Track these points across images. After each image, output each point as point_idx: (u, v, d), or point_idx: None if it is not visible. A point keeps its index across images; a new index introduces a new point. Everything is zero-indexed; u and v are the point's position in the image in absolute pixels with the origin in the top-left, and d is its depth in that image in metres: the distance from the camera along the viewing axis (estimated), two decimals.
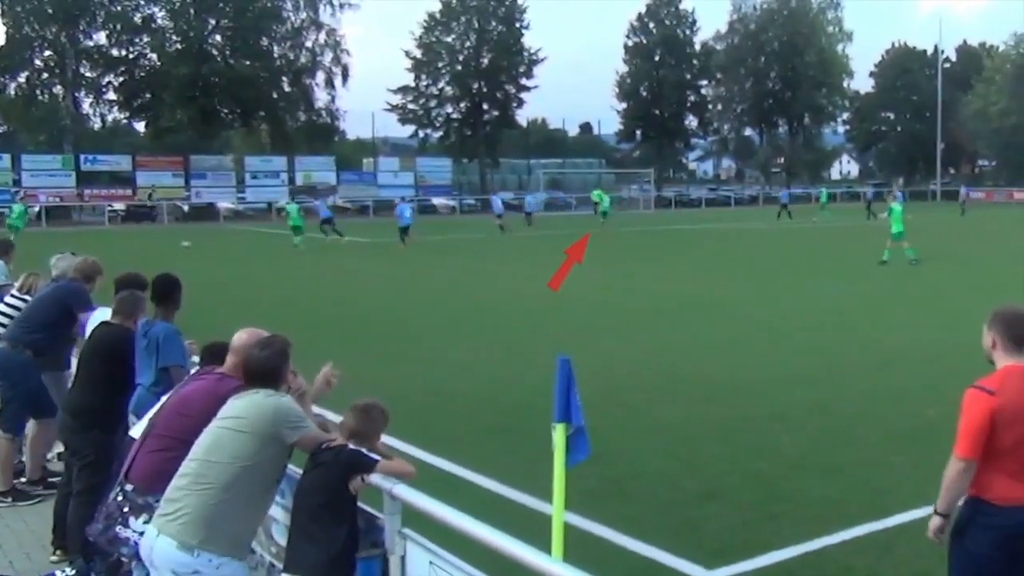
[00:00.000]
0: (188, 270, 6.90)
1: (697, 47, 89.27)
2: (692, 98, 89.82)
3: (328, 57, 72.05)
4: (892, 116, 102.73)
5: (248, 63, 67.82)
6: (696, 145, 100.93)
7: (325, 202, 37.47)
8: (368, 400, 4.21)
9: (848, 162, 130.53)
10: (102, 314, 6.51)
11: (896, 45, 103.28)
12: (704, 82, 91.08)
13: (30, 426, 7.38)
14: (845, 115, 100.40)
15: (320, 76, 72.08)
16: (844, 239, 34.61)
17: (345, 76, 72.48)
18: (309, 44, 71.68)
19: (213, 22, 68.29)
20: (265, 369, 4.09)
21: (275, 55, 70.32)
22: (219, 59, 68.07)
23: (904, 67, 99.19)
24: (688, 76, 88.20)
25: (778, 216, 50.13)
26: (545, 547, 3.53)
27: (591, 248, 31.92)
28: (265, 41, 69.69)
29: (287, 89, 71.22)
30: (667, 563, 5.64)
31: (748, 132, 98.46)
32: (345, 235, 36.41)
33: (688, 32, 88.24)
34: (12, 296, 7.77)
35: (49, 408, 7.15)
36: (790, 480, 7.20)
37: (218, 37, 69.14)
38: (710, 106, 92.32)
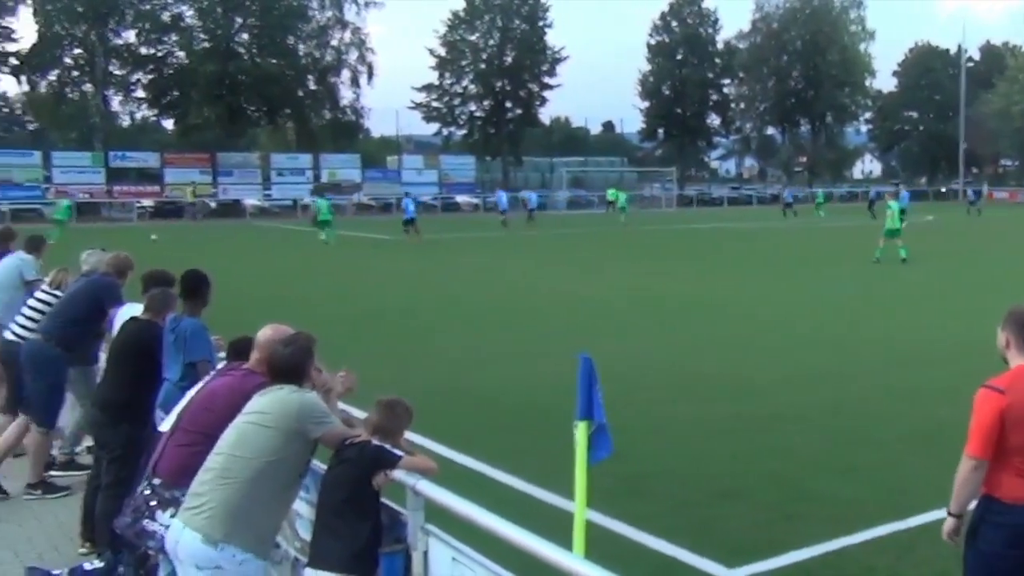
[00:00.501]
0: (212, 267, 6.94)
1: (720, 46, 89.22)
2: (714, 97, 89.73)
3: (353, 55, 72.52)
4: (915, 115, 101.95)
5: (274, 61, 68.28)
6: (718, 144, 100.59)
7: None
8: (392, 397, 4.23)
9: (871, 161, 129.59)
10: (131, 309, 6.56)
11: (919, 44, 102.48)
12: (726, 81, 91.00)
13: (29, 432, 7.40)
14: (868, 114, 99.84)
15: (345, 74, 72.61)
16: (849, 238, 34.67)
17: (370, 74, 72.99)
18: (334, 42, 72.15)
19: (240, 21, 68.72)
20: (289, 365, 4.12)
21: (301, 53, 70.70)
22: (246, 57, 68.53)
23: (927, 66, 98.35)
24: (710, 75, 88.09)
25: (784, 215, 50.87)
26: (566, 544, 3.54)
27: (609, 247, 32.00)
28: (291, 40, 70.09)
29: (312, 87, 71.63)
30: (687, 561, 5.64)
31: (770, 131, 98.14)
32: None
33: (711, 31, 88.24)
34: (43, 291, 7.85)
35: (52, 416, 7.23)
36: (807, 480, 7.17)
37: (245, 36, 69.59)
38: (732, 105, 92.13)
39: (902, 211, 25.94)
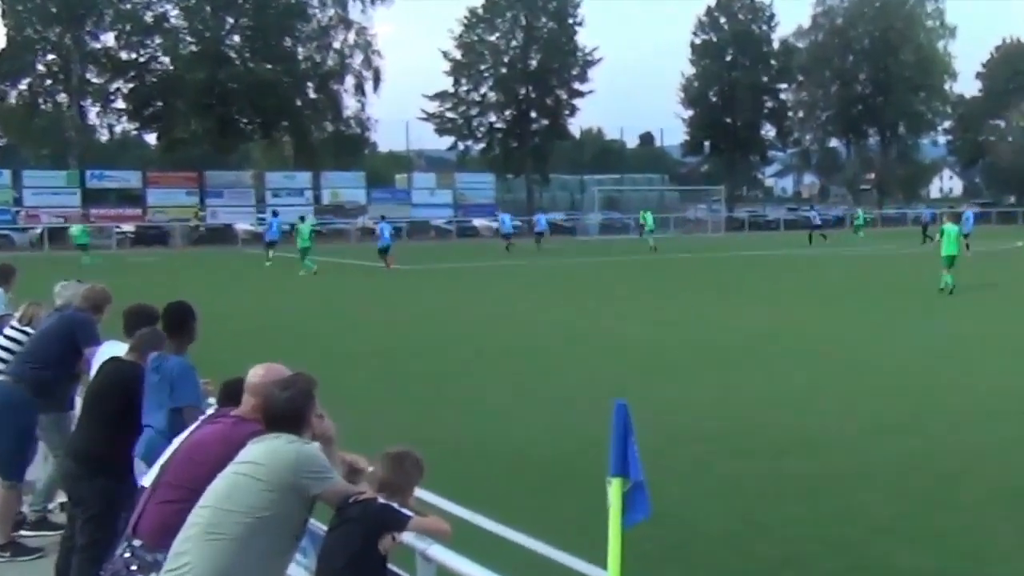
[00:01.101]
0: (197, 299, 7.03)
1: (775, 45, 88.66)
2: (769, 104, 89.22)
3: (358, 59, 73.18)
4: (1002, 125, 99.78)
5: (270, 67, 68.90)
6: (773, 158, 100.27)
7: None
8: (401, 448, 4.27)
9: (950, 178, 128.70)
10: (111, 348, 6.64)
11: (1007, 42, 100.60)
12: (783, 85, 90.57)
13: None
14: (947, 123, 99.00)
15: (349, 81, 73.25)
16: (907, 266, 34.90)
17: (377, 81, 73.50)
18: (337, 45, 72.92)
19: (231, 21, 69.50)
20: (287, 412, 4.17)
21: (299, 57, 71.41)
22: (238, 62, 69.27)
23: (1016, 68, 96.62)
24: (765, 79, 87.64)
25: (810, 240, 50.91)
26: None
27: (646, 277, 32.07)
28: (288, 42, 70.87)
29: (312, 96, 72.27)
30: None
31: (833, 143, 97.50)
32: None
33: (765, 28, 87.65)
34: (12, 328, 7.94)
35: (21, 468, 7.30)
36: (878, 546, 7.13)
37: (236, 38, 70.36)
38: (790, 113, 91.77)
39: (964, 236, 25.90)
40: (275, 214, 41.77)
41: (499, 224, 51.35)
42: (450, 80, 78.12)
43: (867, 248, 46.19)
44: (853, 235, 52.28)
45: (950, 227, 25.98)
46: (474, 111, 78.92)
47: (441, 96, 78.09)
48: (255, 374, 4.68)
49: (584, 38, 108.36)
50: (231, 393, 4.94)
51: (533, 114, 78.75)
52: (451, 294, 27.10)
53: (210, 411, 5.16)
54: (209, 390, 5.95)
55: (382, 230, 37.27)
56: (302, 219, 37.33)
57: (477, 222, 67.35)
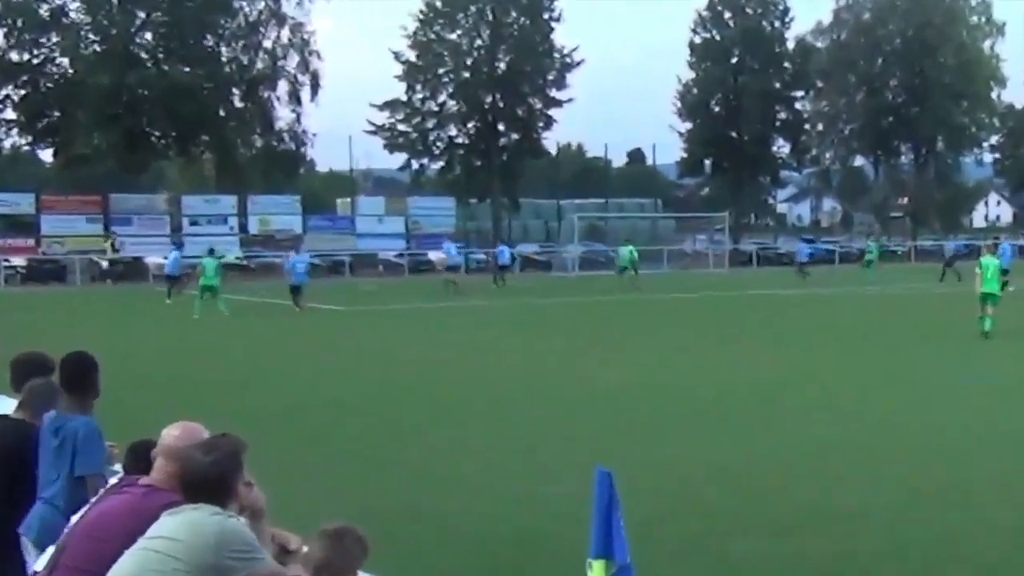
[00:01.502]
0: (99, 344, 7.04)
1: (790, 45, 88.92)
2: (783, 115, 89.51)
3: (293, 61, 73.45)
4: None
5: (187, 70, 68.80)
6: (787, 180, 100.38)
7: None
8: (340, 524, 4.28)
9: (997, 204, 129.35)
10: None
11: None
12: (799, 93, 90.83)
13: None
14: (994, 138, 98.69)
15: (282, 87, 73.46)
16: (941, 306, 35.34)
17: (315, 87, 73.72)
18: (268, 44, 73.11)
19: (142, 16, 69.42)
20: (211, 479, 4.18)
21: (223, 59, 71.59)
22: (149, 64, 69.16)
23: None
24: (777, 84, 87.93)
25: (801, 276, 52.05)
26: None
27: (633, 320, 32.23)
28: (210, 40, 71.04)
29: (238, 104, 72.34)
30: None
31: (859, 162, 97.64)
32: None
33: (778, 24, 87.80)
34: None
35: None
36: None
37: (148, 35, 70.41)
38: (807, 126, 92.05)
39: (1004, 271, 26.27)
40: (178, 246, 41.94)
41: (444, 255, 51.65)
42: (402, 86, 78.32)
43: (897, 286, 46.53)
44: (865, 271, 52.57)
45: (989, 260, 26.27)
46: (431, 123, 79.01)
47: (392, 105, 78.12)
48: (170, 435, 4.69)
49: (562, 36, 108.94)
50: (140, 457, 4.94)
51: (501, 126, 79.09)
52: (400, 339, 27.15)
53: (115, 480, 5.15)
54: (115, 454, 5.94)
55: (294, 265, 36.93)
56: (211, 251, 37.07)
57: (433, 255, 67.29)
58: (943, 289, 44.36)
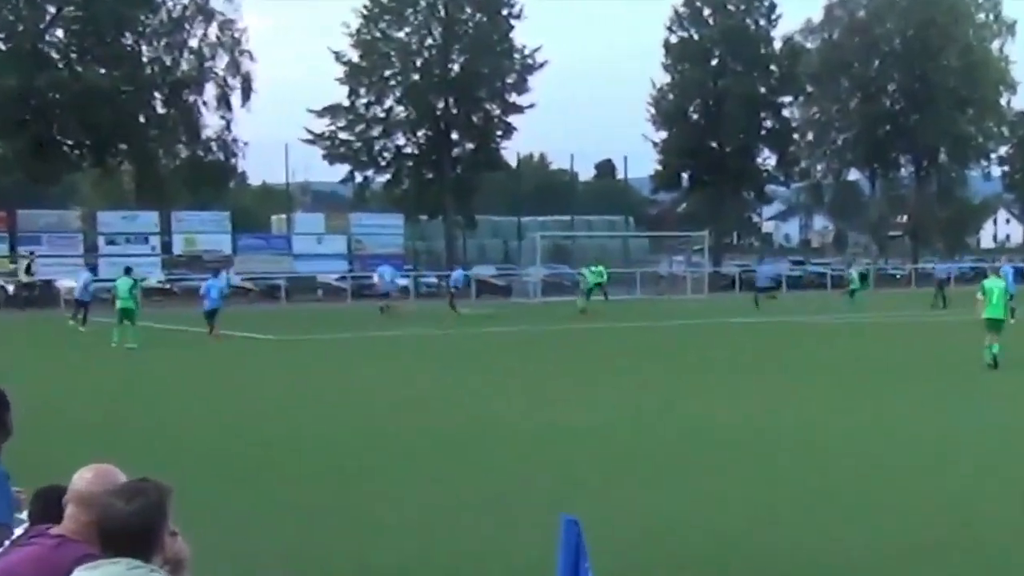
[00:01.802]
0: (2, 381, 6.98)
1: (777, 45, 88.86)
2: (768, 123, 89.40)
3: (222, 62, 73.19)
4: None
5: (103, 71, 68.45)
6: (774, 195, 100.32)
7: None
8: None
9: (1007, 222, 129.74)
10: None
11: None
12: (787, 98, 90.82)
13: None
14: (1003, 149, 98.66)
15: (210, 90, 73.17)
16: (944, 334, 35.77)
17: (247, 90, 73.41)
18: (194, 43, 72.85)
19: (52, 11, 68.99)
20: (132, 530, 4.15)
21: (144, 59, 71.29)
22: (61, 65, 68.82)
23: None
24: (763, 89, 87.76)
25: (756, 304, 52.21)
26: None
27: (601, 351, 32.34)
28: (129, 38, 70.73)
29: (161, 110, 72.08)
30: None
31: (853, 175, 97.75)
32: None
33: (763, 22, 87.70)
34: None
35: None
36: None
37: (60, 33, 70.00)
38: (796, 135, 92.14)
39: (1010, 296, 26.53)
40: (91, 268, 41.80)
41: (377, 279, 51.76)
42: (345, 90, 78.12)
43: (893, 313, 46.85)
44: (849, 300, 53.02)
45: (993, 283, 26.37)
46: (376, 131, 78.87)
47: (332, 111, 77.95)
48: (82, 479, 4.65)
49: (523, 35, 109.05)
50: (49, 505, 4.90)
51: (455, 135, 79.09)
52: (342, 373, 27.21)
53: (21, 530, 5.11)
54: (22, 500, 5.90)
55: (208, 289, 37.35)
56: (128, 271, 36.88)
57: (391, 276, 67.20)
58: (932, 317, 44.77)
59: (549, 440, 17.14)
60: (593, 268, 53.67)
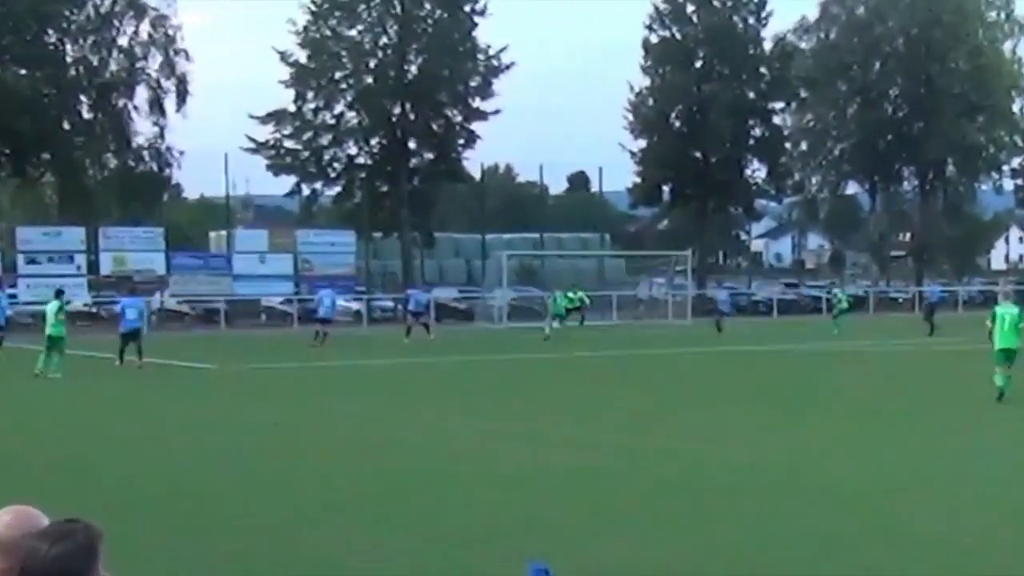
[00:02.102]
0: None
1: (767, 46, 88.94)
2: (758, 131, 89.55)
3: (155, 62, 73.20)
4: None
5: (24, 72, 68.40)
6: (764, 211, 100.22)
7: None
8: None
9: (1020, 241, 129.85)
10: None
11: None
12: (778, 104, 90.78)
13: None
14: (1016, 160, 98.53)
15: (141, 94, 73.16)
16: (953, 363, 36.06)
17: (182, 94, 73.46)
18: (123, 41, 72.82)
19: None
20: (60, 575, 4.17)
21: (68, 59, 71.11)
22: None
23: None
24: (752, 94, 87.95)
25: (718, 329, 53.57)
26: None
27: (574, 384, 32.41)
28: (52, 36, 70.51)
29: (87, 115, 71.95)
30: None
31: (851, 189, 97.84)
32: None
33: (753, 21, 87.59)
34: None
35: None
36: None
37: None
38: (788, 145, 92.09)
39: (1019, 321, 26.84)
40: (7, 288, 41.83)
41: (317, 304, 51.79)
42: (290, 94, 77.93)
43: (875, 342, 47.03)
44: (831, 325, 53.39)
45: (1005, 309, 26.48)
46: (325, 139, 78.64)
47: (277, 117, 77.66)
48: (1, 522, 4.66)
49: (488, 34, 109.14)
50: None
51: (412, 144, 78.98)
52: (286, 408, 27.05)
53: None
54: None
55: (123, 310, 37.90)
56: (59, 293, 36.71)
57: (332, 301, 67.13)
58: (916, 346, 45.17)
59: (522, 480, 17.14)
60: (571, 293, 53.80)
